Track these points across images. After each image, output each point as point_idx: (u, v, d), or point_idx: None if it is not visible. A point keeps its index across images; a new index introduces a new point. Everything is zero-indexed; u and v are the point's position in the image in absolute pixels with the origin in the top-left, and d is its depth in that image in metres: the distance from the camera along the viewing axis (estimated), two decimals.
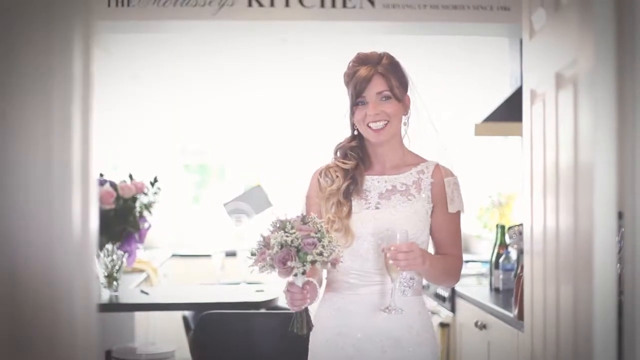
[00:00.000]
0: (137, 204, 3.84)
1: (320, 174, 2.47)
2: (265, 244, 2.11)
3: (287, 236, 2.06)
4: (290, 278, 2.15)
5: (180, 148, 7.07)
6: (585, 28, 1.51)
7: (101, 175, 3.88)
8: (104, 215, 3.76)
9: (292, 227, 2.08)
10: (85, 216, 1.19)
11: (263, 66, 5.52)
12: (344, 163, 2.43)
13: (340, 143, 2.49)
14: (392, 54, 2.44)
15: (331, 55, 4.83)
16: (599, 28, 1.45)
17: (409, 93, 2.42)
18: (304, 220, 2.12)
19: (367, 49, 2.48)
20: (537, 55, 1.98)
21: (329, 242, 2.09)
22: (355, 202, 2.38)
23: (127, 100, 5.78)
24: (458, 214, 2.38)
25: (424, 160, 2.42)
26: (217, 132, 7.10)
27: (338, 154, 2.48)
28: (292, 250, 2.06)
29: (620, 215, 1.47)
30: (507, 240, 3.97)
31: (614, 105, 1.45)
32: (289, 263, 2.06)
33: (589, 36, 1.48)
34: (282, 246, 2.07)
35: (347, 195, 2.38)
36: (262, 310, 3.72)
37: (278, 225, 2.12)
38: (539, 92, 1.96)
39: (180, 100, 6.84)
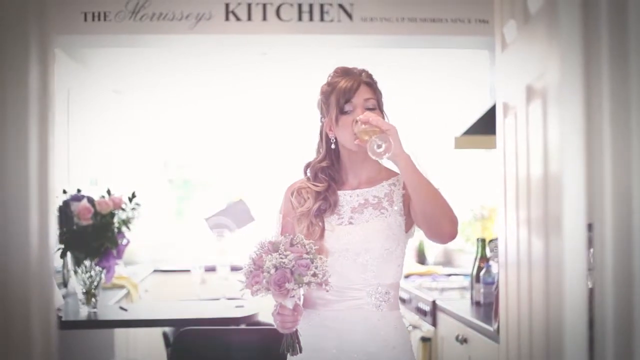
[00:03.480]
0: (115, 220, 3.82)
1: (292, 193, 2.46)
2: (257, 266, 2.07)
3: (281, 258, 2.02)
4: (284, 300, 2.11)
5: (162, 162, 7.04)
6: (552, 40, 1.50)
7: (79, 190, 3.85)
8: (82, 231, 3.73)
9: (285, 249, 2.05)
10: (44, 234, 1.17)
11: (244, 79, 5.51)
12: (315, 185, 2.40)
13: (310, 162, 2.46)
14: (370, 66, 2.43)
15: (312, 68, 4.82)
16: (566, 39, 1.45)
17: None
18: (292, 242, 2.08)
19: (347, 62, 2.45)
20: (508, 68, 1.97)
21: (321, 262, 2.06)
22: (329, 219, 2.36)
23: (108, 113, 5.74)
24: None
25: (397, 174, 2.40)
26: (199, 146, 7.07)
27: (308, 173, 2.46)
28: (286, 272, 2.02)
29: (590, 227, 1.46)
30: (488, 253, 3.95)
31: (581, 117, 1.44)
32: (286, 285, 2.01)
33: (556, 48, 1.48)
34: (276, 268, 2.03)
35: (319, 215, 2.36)
36: (242, 326, 3.69)
37: (268, 247, 2.08)
38: (511, 105, 1.95)
39: (161, 115, 6.81)
